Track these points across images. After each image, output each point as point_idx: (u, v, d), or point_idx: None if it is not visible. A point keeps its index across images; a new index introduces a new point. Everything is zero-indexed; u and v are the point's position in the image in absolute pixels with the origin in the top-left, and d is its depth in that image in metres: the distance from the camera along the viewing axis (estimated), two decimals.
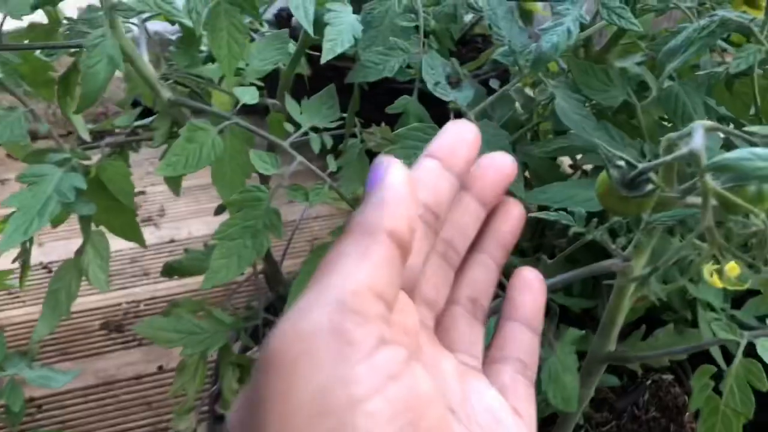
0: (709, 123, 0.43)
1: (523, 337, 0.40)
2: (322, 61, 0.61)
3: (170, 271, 0.79)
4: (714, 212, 0.44)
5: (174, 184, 0.78)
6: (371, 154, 0.87)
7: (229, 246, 0.65)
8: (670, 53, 0.54)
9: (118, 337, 1.19)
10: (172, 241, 1.38)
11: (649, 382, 0.78)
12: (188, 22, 0.70)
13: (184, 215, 1.44)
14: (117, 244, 1.42)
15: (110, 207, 0.77)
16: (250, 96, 0.68)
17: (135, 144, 0.83)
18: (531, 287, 0.40)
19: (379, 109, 0.72)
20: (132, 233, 0.80)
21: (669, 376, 0.79)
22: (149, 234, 1.40)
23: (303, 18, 0.58)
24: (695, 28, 0.54)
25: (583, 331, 0.49)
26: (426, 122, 0.68)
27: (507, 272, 0.77)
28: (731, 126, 0.61)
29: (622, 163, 0.44)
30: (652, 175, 0.44)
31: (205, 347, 0.71)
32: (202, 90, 0.77)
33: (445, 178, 0.37)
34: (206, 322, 0.72)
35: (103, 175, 0.73)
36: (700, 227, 0.42)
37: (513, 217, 0.41)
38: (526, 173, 0.76)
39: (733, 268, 0.44)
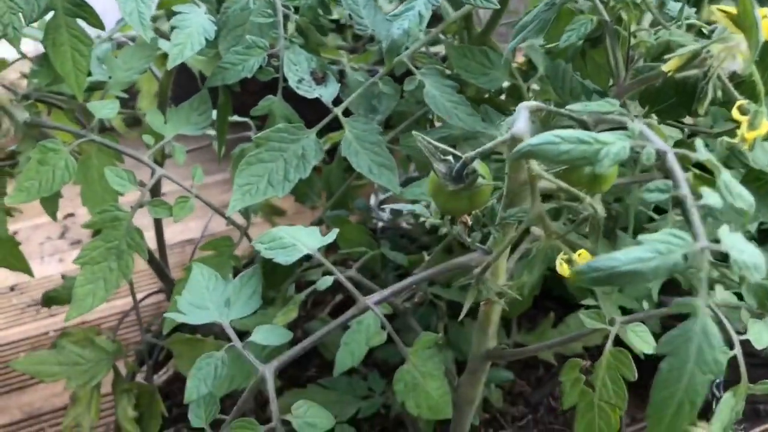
0: (533, 104, 0.40)
1: None
2: (168, 67, 0.58)
3: (49, 301, 0.75)
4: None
5: (48, 207, 0.74)
6: None
7: (93, 270, 0.61)
8: (520, 30, 0.50)
9: None
10: None
11: None
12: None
13: None
14: (45, 269, 1.38)
15: None
16: (108, 110, 0.64)
17: (10, 168, 0.79)
18: None
19: None
20: (16, 263, 0.76)
21: (586, 363, 0.76)
22: None
23: (138, 25, 0.54)
24: (546, 2, 0.51)
25: (440, 335, 0.46)
26: (294, 122, 0.65)
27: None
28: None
29: (448, 157, 0.41)
30: (477, 164, 0.41)
31: (89, 377, 0.68)
32: (70, 107, 0.73)
33: None
34: (90, 352, 0.68)
35: None
36: (529, 216, 0.39)
37: None
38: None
39: (583, 255, 0.41)
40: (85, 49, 0.61)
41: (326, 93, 0.62)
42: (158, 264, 0.77)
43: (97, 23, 0.61)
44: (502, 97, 0.78)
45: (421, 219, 0.76)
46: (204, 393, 0.44)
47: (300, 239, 0.49)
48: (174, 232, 1.33)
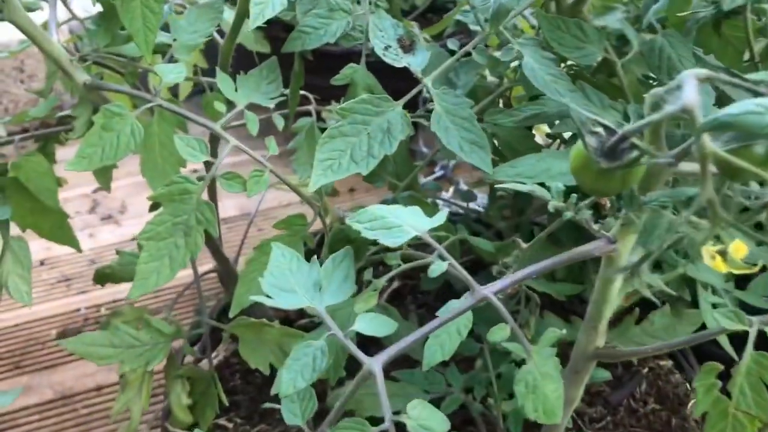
0: (702, 71, 0.35)
1: None
2: (250, 28, 0.53)
3: (102, 278, 0.70)
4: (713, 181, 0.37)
5: (103, 177, 0.70)
6: None
7: (158, 247, 0.57)
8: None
9: None
10: (134, 239, 1.29)
11: (645, 370, 0.71)
12: None
13: (146, 211, 1.35)
14: None
15: (36, 208, 0.69)
16: (175, 74, 0.59)
17: (64, 134, 0.74)
18: None
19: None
20: (64, 236, 0.72)
21: (668, 362, 0.72)
22: (109, 233, 1.32)
23: None
24: None
25: (564, 331, 0.41)
26: (377, 92, 0.60)
27: (483, 259, 0.69)
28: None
29: (599, 128, 0.36)
30: (636, 140, 0.36)
31: (145, 361, 0.63)
32: (130, 70, 0.68)
33: None
34: (145, 334, 0.64)
35: (19, 174, 0.65)
36: (699, 200, 0.34)
37: None
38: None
39: (738, 248, 0.36)
40: (156, 6, 0.56)
41: (415, 62, 0.57)
42: (214, 242, 0.72)
43: None
44: None
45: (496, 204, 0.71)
46: (301, 387, 0.40)
47: (405, 219, 0.44)
48: None
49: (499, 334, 0.40)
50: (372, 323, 0.42)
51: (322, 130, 0.73)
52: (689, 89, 0.34)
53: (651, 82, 0.68)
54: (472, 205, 1.15)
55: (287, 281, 0.47)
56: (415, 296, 0.84)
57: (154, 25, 0.56)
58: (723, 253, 0.37)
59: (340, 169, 0.55)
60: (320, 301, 0.45)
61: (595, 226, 0.43)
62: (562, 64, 0.70)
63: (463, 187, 1.36)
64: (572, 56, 0.63)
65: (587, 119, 0.35)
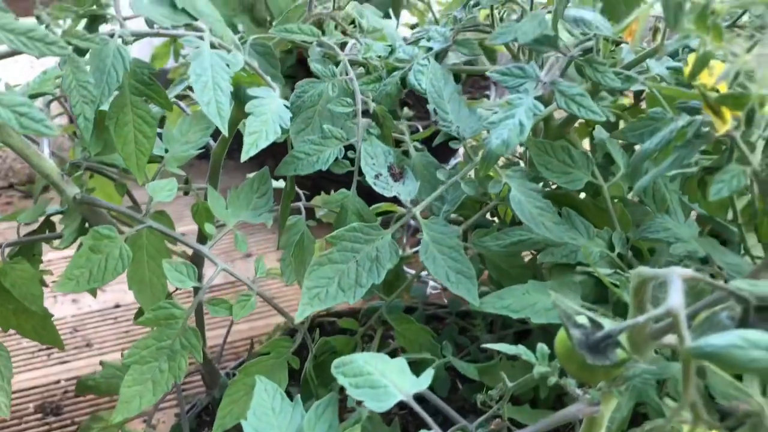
0: (688, 272, 0.36)
1: None
2: (243, 159, 0.53)
3: (85, 389, 0.70)
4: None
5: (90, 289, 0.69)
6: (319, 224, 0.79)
7: (142, 370, 0.56)
8: (643, 158, 0.46)
9: (55, 422, 1.08)
10: (117, 306, 1.29)
11: None
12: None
13: None
14: (58, 310, 1.32)
15: (19, 309, 0.68)
16: (166, 193, 0.59)
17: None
18: None
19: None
20: (47, 337, 0.71)
21: None
22: (92, 299, 1.31)
23: (216, 117, 0.50)
24: (672, 129, 0.47)
25: None
26: (367, 217, 0.60)
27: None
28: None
29: (584, 320, 0.36)
30: (622, 338, 0.36)
31: None
32: (120, 183, 0.68)
33: None
34: None
35: (4, 280, 0.64)
36: (682, 402, 0.35)
37: None
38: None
39: None
40: (149, 131, 0.56)
41: (404, 191, 0.58)
42: None
43: (165, 104, 0.57)
44: None
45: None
46: None
47: (390, 377, 0.44)
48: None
49: None
50: None
51: (311, 228, 0.73)
52: (674, 293, 0.34)
53: (636, 203, 0.70)
54: None
55: (270, 424, 0.47)
56: None
57: (147, 149, 0.57)
58: None
59: (327, 298, 0.55)
60: None
61: (579, 391, 0.43)
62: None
63: None
64: (559, 181, 0.64)
65: (572, 311, 0.36)
